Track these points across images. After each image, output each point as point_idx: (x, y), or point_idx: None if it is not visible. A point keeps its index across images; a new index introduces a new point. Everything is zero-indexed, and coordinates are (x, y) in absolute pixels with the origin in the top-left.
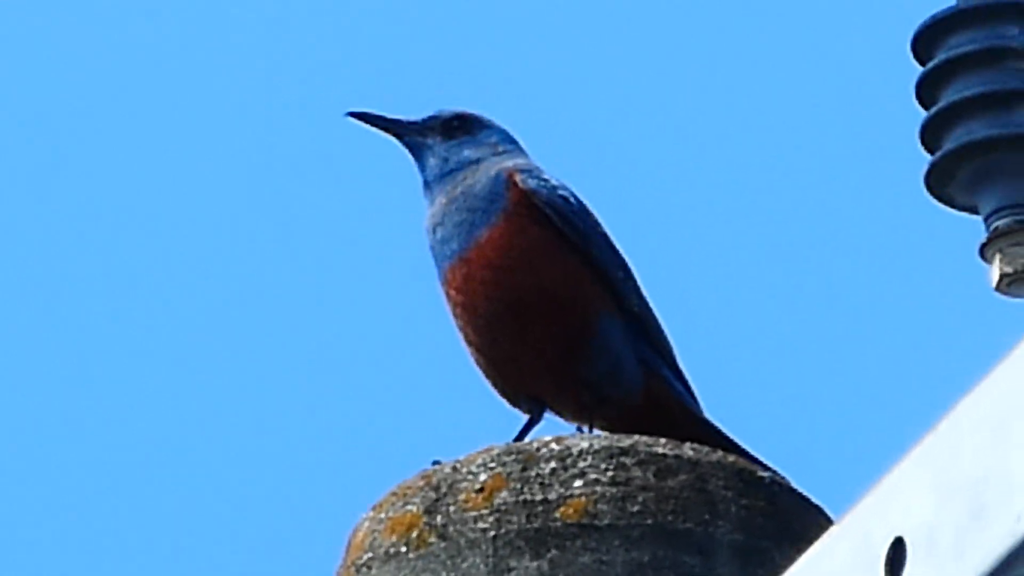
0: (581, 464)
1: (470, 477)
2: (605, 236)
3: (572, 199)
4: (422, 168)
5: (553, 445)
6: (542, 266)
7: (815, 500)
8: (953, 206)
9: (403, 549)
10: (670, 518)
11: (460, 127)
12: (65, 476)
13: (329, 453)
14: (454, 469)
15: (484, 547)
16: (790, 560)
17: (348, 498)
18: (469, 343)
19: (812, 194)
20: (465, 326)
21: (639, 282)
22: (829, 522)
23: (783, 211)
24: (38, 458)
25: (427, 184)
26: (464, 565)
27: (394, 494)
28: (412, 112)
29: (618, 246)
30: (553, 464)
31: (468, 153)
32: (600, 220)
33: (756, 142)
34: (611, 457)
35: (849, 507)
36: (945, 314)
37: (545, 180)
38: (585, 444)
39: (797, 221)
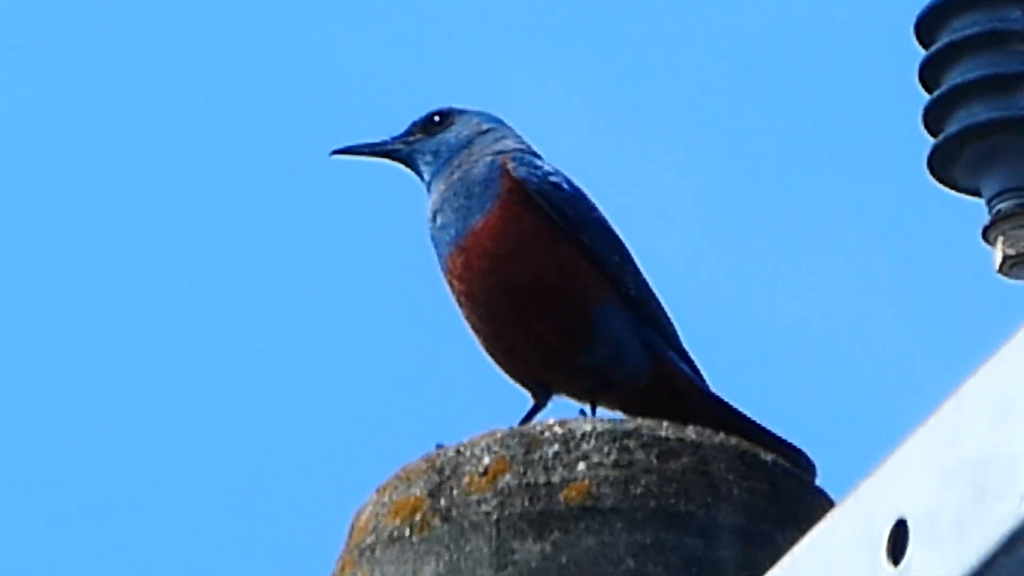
0: (584, 447)
1: (473, 460)
2: (600, 221)
3: (565, 185)
4: (419, 172)
5: (556, 428)
6: (537, 254)
7: (817, 482)
8: (956, 189)
9: (407, 532)
10: (672, 501)
11: (441, 122)
12: (75, 471)
13: (333, 436)
14: (458, 452)
15: (487, 530)
16: (792, 542)
17: (352, 481)
18: (475, 331)
19: (816, 177)
20: (470, 314)
21: (638, 265)
22: (831, 504)
23: (787, 193)
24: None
25: (428, 185)
26: (467, 548)
27: (398, 477)
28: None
29: (616, 230)
30: (556, 447)
31: (455, 140)
32: (596, 205)
33: (760, 123)
34: (614, 440)
35: (851, 489)
36: (948, 297)
37: (537, 167)
38: (588, 427)
39: (801, 204)
